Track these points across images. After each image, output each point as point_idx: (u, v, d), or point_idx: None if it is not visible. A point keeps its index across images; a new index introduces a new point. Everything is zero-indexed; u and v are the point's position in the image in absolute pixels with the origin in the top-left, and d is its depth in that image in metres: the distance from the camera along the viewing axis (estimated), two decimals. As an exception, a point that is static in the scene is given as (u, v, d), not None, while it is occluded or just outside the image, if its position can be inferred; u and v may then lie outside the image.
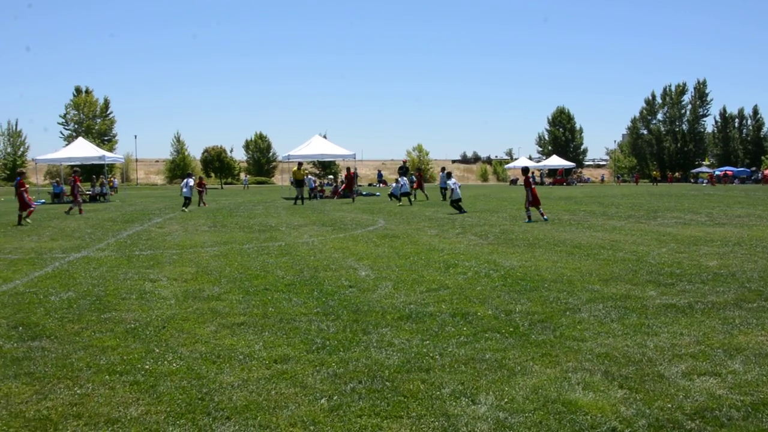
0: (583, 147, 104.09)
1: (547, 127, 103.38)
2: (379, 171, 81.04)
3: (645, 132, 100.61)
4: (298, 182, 33.79)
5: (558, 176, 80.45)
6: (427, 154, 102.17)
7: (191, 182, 28.91)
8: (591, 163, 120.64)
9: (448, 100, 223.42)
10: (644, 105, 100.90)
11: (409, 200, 30.18)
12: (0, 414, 4.63)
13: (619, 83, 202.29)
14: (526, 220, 19.08)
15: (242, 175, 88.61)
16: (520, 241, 13.84)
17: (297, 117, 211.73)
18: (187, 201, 28.40)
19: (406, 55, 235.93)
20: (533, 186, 19.46)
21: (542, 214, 19.29)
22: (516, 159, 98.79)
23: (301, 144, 44.59)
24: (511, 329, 6.63)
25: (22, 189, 20.89)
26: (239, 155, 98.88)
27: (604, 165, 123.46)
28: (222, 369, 5.54)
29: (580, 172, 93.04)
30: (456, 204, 23.29)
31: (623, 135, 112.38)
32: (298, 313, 7.51)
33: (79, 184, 26.83)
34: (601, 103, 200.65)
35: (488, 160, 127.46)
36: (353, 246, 13.59)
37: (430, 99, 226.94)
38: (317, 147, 43.87)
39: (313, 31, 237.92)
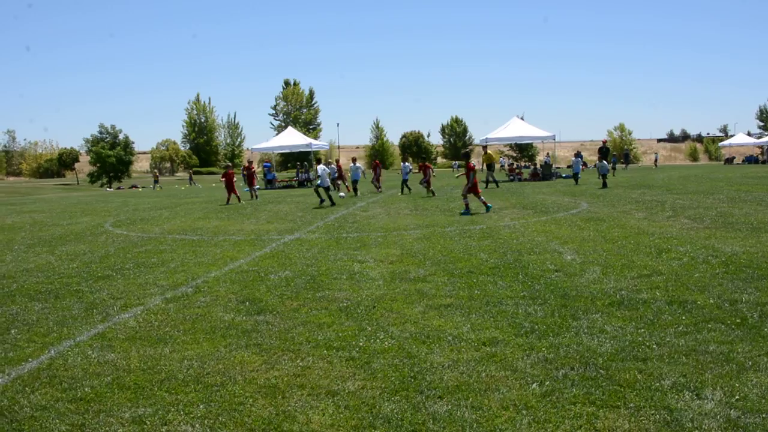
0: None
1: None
2: (578, 152, 78.22)
3: None
4: (488, 166, 33.09)
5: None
6: (629, 134, 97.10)
7: (322, 169, 23.75)
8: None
9: (653, 75, 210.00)
10: None
11: (604, 182, 28.31)
12: (236, 379, 5.09)
13: None
14: (464, 210, 17.92)
15: (439, 159, 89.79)
16: (741, 225, 12.68)
17: (494, 100, 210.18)
18: (328, 189, 23.48)
19: (606, 30, 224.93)
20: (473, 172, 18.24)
21: (484, 203, 18.15)
22: (732, 136, 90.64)
23: (499, 127, 44.23)
24: (737, 320, 6.09)
25: (229, 178, 25.89)
26: (436, 139, 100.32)
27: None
28: (432, 349, 5.65)
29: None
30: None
31: None
32: (504, 296, 7.46)
33: (254, 171, 30.42)
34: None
35: (698, 138, 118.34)
36: (556, 229, 13.25)
37: (632, 74, 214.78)
38: (515, 129, 43.30)
39: (509, 15, 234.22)
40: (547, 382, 4.75)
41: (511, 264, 9.45)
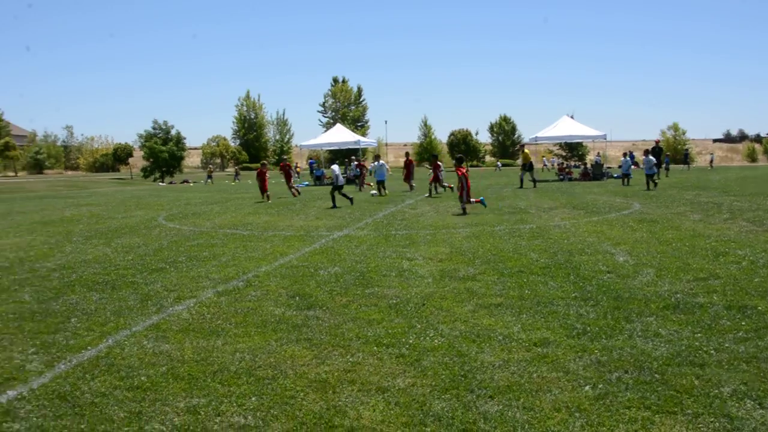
0: None
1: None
2: (630, 152, 76.78)
3: None
4: (526, 165, 32.12)
5: None
6: (683, 133, 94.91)
7: (336, 168, 22.94)
8: None
9: (708, 74, 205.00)
10: None
11: (652, 182, 27.33)
12: (287, 373, 5.14)
13: None
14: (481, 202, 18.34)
15: (488, 158, 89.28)
16: (803, 229, 12.27)
17: (543, 99, 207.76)
18: (341, 188, 22.63)
19: (659, 30, 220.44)
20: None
21: (463, 209, 17.79)
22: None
23: (548, 126, 43.69)
24: (800, 327, 5.90)
25: (262, 176, 26.34)
26: (484, 138, 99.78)
27: None
28: (482, 348, 5.62)
29: None
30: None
31: None
32: (554, 296, 7.37)
33: (290, 168, 30.80)
34: None
35: (757, 138, 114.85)
36: (608, 230, 13.02)
37: (687, 73, 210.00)
38: (565, 128, 42.72)
39: (558, 16, 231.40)
40: (600, 385, 4.67)
41: (562, 264, 9.33)
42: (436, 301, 7.36)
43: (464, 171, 18.43)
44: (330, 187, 23.09)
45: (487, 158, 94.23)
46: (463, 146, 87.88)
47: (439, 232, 13.46)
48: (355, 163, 37.66)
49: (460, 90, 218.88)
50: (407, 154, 33.12)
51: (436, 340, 5.88)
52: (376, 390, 4.74)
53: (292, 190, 29.23)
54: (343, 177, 23.63)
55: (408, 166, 31.32)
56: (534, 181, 31.40)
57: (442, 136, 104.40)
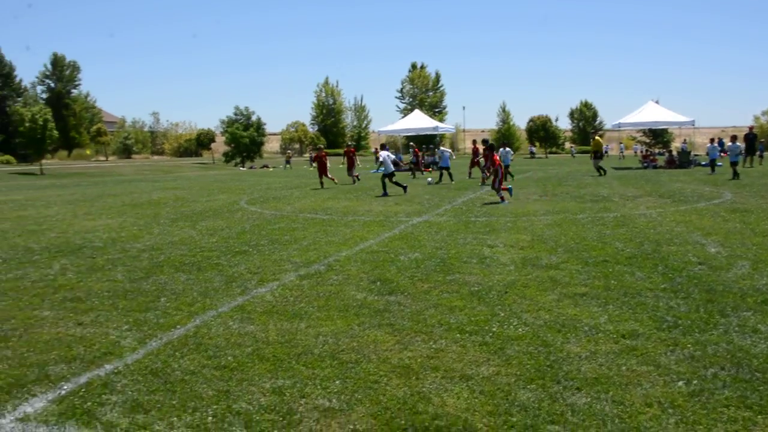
0: None
1: None
2: (720, 139, 73.64)
3: None
4: (595, 153, 31.03)
5: None
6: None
7: (385, 155, 21.83)
8: None
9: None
10: None
11: (735, 171, 25.84)
12: (370, 358, 5.15)
13: None
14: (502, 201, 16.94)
15: (567, 144, 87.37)
16: None
17: (626, 85, 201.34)
18: (393, 176, 21.59)
19: (753, 8, 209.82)
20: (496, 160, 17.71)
21: (501, 197, 17.17)
22: None
23: (632, 111, 42.31)
24: None
25: (324, 160, 26.18)
26: (564, 124, 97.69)
27: None
28: (567, 338, 5.48)
29: None
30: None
31: None
32: (642, 287, 7.13)
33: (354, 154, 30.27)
34: None
35: None
36: (697, 220, 12.51)
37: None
38: (650, 114, 41.25)
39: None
40: (695, 381, 4.48)
41: (649, 254, 9.02)
42: (518, 289, 7.24)
43: (497, 158, 18.26)
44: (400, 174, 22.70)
45: (567, 145, 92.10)
46: (542, 132, 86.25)
47: (520, 220, 13.24)
48: (412, 149, 36.90)
49: (540, 76, 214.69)
50: (474, 141, 32.65)
51: (519, 329, 5.78)
52: (459, 377, 4.69)
53: (354, 176, 28.89)
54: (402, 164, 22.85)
55: (475, 153, 30.54)
56: (600, 169, 29.91)
57: (520, 122, 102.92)
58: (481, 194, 20.16)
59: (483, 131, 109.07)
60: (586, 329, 5.72)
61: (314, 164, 26.36)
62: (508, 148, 27.90)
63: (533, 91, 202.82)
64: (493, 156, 18.52)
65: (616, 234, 10.91)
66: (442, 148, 29.01)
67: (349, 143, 30.88)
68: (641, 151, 60.42)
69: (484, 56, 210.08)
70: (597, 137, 32.75)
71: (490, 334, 5.65)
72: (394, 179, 21.16)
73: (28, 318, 6.62)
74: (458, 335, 5.66)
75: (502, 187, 17.65)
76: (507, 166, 26.61)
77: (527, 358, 5.05)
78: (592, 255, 9.08)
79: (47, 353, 5.50)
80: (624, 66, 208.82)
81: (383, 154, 21.83)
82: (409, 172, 33.05)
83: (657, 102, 49.16)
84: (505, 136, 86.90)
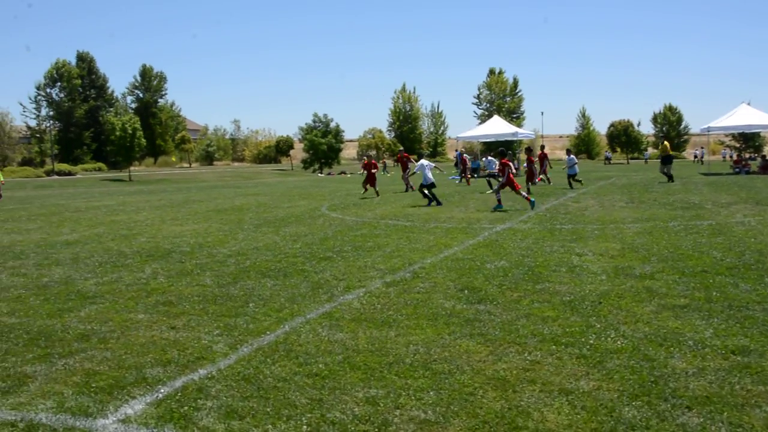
0: None
1: None
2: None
3: None
4: (664, 158, 29.60)
5: None
6: None
7: (424, 164, 20.54)
8: None
9: None
10: None
11: None
12: (464, 368, 5.02)
13: None
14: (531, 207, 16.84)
15: (650, 150, 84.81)
16: None
17: (714, 87, 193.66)
18: (432, 186, 20.28)
19: None
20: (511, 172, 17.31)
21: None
22: None
23: (723, 115, 40.57)
24: None
25: (374, 169, 24.94)
26: (647, 129, 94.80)
27: None
28: (671, 353, 5.21)
29: None
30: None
31: None
32: (749, 300, 6.73)
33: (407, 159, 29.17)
34: None
35: None
36: (801, 228, 11.82)
37: None
38: (742, 117, 39.40)
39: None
40: (819, 403, 4.16)
41: (752, 265, 8.54)
42: (613, 299, 6.96)
43: (507, 162, 18.01)
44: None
45: (649, 150, 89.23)
46: (623, 137, 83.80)
47: (607, 227, 12.83)
48: (459, 153, 35.97)
49: (621, 81, 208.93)
50: (542, 147, 32.54)
51: (618, 342, 5.53)
52: (558, 392, 4.51)
53: (407, 183, 28.04)
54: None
55: (542, 160, 29.76)
56: (667, 175, 28.57)
57: (601, 127, 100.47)
58: (564, 201, 19.69)
59: (561, 137, 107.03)
60: (690, 343, 5.42)
61: (362, 171, 24.65)
62: (572, 156, 27.00)
63: (614, 95, 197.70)
64: (504, 161, 18.12)
65: (713, 243, 10.40)
66: (489, 157, 28.84)
67: (401, 148, 30.57)
68: (730, 156, 57.87)
69: (563, 61, 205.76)
70: (666, 142, 31.97)
71: (587, 347, 5.42)
72: (426, 190, 19.85)
73: (124, 321, 6.79)
74: (553, 347, 5.46)
75: (527, 196, 17.50)
76: (574, 175, 26.04)
77: (629, 372, 4.82)
78: (689, 265, 8.67)
79: (143, 356, 5.61)
80: (711, 69, 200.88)
81: (420, 164, 20.78)
82: (464, 181, 32.67)
83: (749, 104, 47.03)
84: (584, 141, 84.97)
